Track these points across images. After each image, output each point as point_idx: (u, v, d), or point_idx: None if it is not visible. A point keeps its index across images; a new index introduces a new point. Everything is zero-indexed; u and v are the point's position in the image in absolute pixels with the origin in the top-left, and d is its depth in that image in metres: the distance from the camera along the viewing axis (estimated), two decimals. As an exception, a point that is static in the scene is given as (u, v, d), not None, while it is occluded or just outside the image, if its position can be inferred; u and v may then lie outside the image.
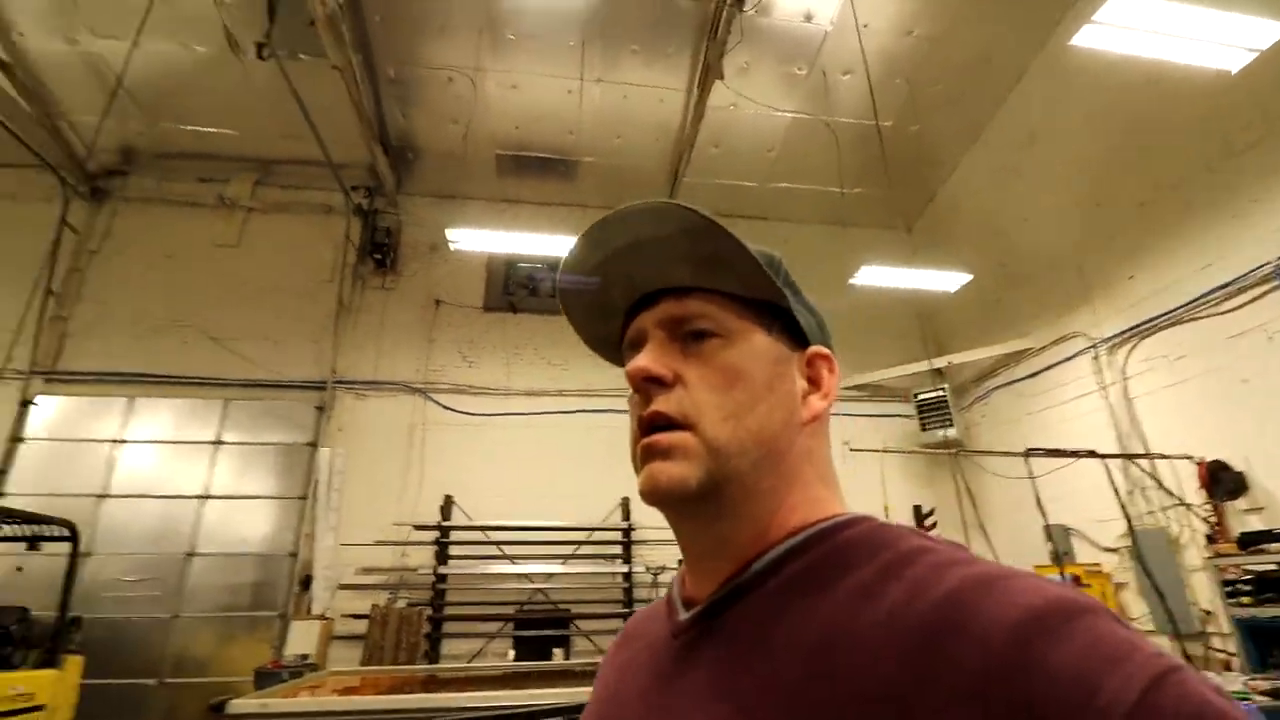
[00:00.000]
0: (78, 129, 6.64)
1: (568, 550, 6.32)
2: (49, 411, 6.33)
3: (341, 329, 6.85)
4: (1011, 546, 6.18)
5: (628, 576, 6.32)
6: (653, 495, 0.52)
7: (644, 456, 0.53)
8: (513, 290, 7.39)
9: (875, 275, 6.42)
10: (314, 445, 6.46)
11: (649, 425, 0.53)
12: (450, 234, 6.16)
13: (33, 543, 5.07)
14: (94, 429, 6.30)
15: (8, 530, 5.00)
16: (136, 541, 5.95)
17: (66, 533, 5.08)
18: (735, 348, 0.55)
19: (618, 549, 6.42)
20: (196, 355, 6.59)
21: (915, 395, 7.18)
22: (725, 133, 7.01)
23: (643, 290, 0.60)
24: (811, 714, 0.40)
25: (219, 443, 6.40)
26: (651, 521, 6.23)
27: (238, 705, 3.51)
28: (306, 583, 5.85)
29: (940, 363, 7.17)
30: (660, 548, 6.25)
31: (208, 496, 6.20)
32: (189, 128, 6.87)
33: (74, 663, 4.69)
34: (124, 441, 6.29)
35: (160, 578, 5.85)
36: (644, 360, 0.55)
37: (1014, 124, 6.42)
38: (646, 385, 0.54)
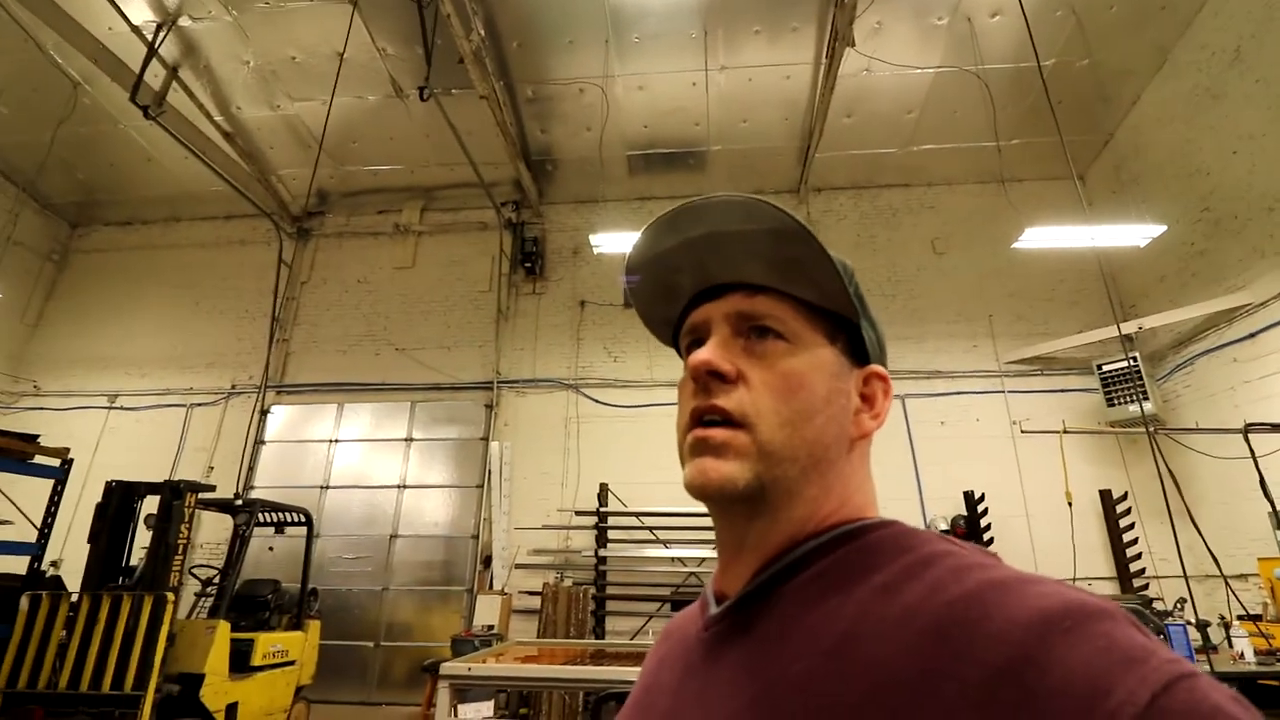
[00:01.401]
0: (284, 181, 7.90)
1: (712, 535, 6.44)
2: (280, 418, 7.63)
3: (502, 334, 7.52)
4: (1227, 536, 5.31)
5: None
6: (700, 490, 0.52)
7: (695, 449, 0.53)
8: (651, 285, 7.63)
9: (1044, 234, 5.79)
10: (485, 440, 7.17)
11: (703, 417, 0.53)
12: (594, 239, 6.51)
13: (279, 527, 6.19)
14: (314, 431, 7.50)
15: (261, 517, 6.14)
16: (352, 525, 7.01)
17: (303, 519, 6.14)
18: (800, 355, 0.55)
19: (769, 534, 6.43)
20: (387, 364, 7.58)
21: (1099, 366, 6.37)
22: (859, 101, 6.68)
23: (715, 280, 0.59)
24: (827, 705, 0.41)
25: (409, 439, 7.33)
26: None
27: (448, 667, 4.06)
28: (487, 562, 6.54)
29: (1130, 328, 6.29)
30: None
31: (404, 486, 7.13)
32: (367, 168, 7.88)
33: (314, 626, 5.68)
34: (337, 441, 7.42)
35: (371, 556, 6.84)
36: (709, 353, 0.54)
37: (1211, 39, 5.46)
38: (708, 378, 0.54)
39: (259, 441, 7.51)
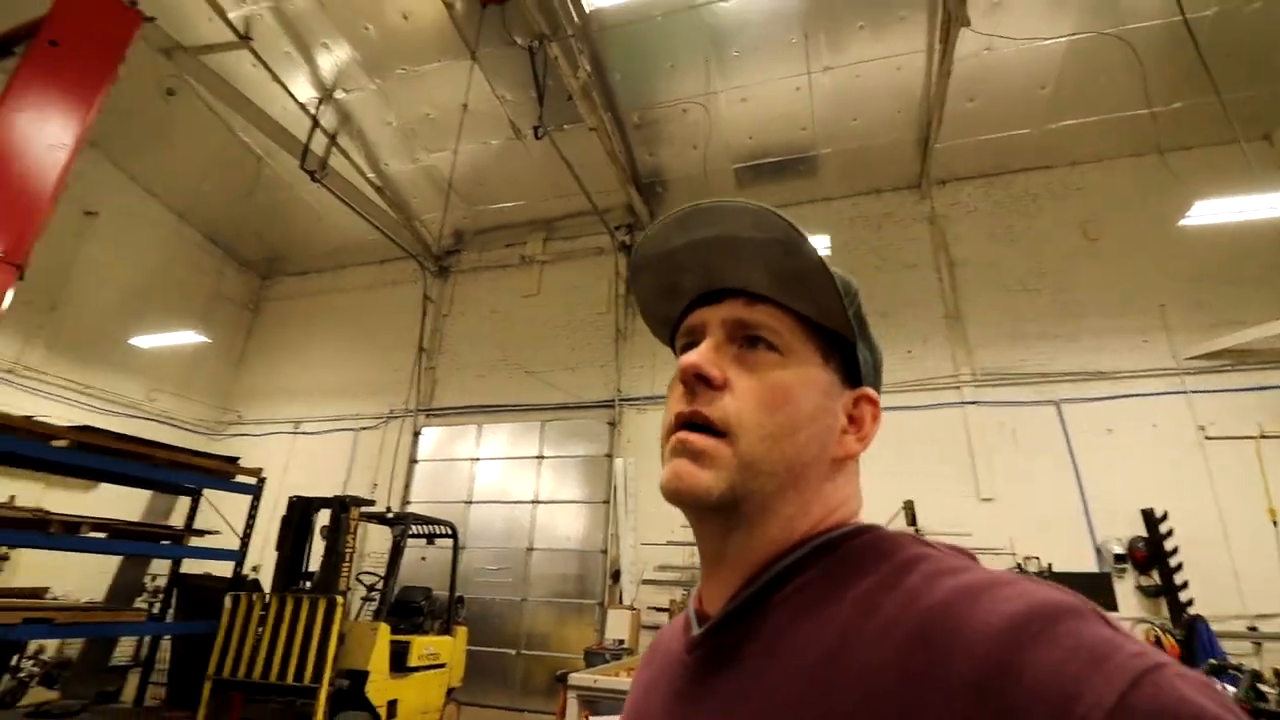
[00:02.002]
0: (426, 225, 8.76)
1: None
2: (430, 439, 8.40)
3: (621, 353, 7.77)
4: None
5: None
6: (673, 495, 0.52)
7: (675, 451, 0.53)
8: (766, 296, 7.51)
9: (1219, 207, 4.99)
10: (610, 456, 7.41)
11: (686, 422, 0.53)
12: None
13: (429, 539, 6.79)
14: (458, 450, 8.17)
15: (415, 530, 6.78)
16: (493, 538, 7.53)
17: (449, 531, 6.69)
18: (790, 369, 0.55)
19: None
20: (520, 387, 8.10)
21: (1312, 356, 5.33)
22: (981, 82, 6.19)
23: (717, 285, 0.59)
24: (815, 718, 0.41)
25: (540, 457, 7.76)
26: (941, 527, 5.74)
27: (576, 678, 4.24)
28: (616, 576, 6.72)
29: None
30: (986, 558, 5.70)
31: (537, 502, 7.55)
32: (495, 206, 8.54)
33: (462, 632, 6.14)
34: (478, 459, 8.02)
35: (510, 567, 7.29)
36: (698, 357, 0.54)
37: None
38: (695, 382, 0.54)
39: (413, 460, 8.32)
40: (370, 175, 8.10)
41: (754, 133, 7.09)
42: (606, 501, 7.19)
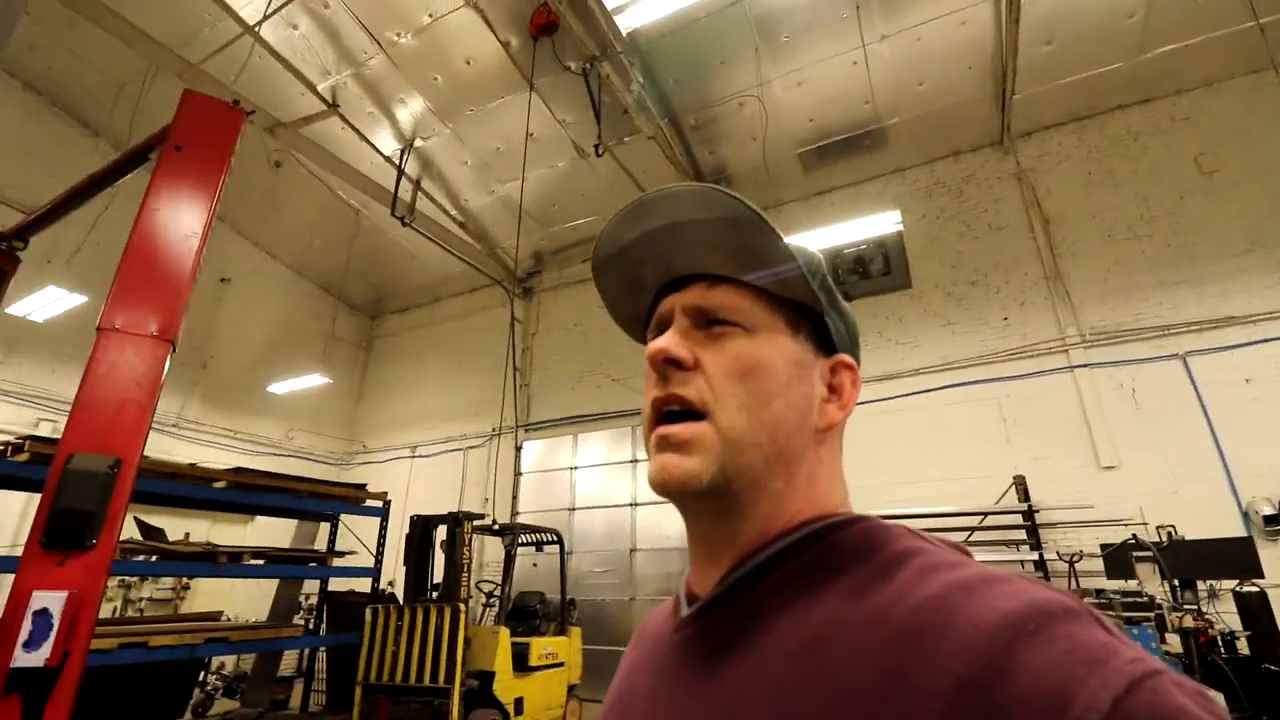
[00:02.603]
0: (507, 251, 9.25)
1: (958, 538, 5.89)
2: (532, 452, 8.85)
3: (702, 352, 7.85)
4: None
5: (1040, 564, 5.53)
6: (663, 488, 0.52)
7: (658, 446, 0.52)
8: (843, 279, 7.34)
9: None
10: (701, 455, 7.50)
11: (664, 410, 0.53)
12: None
13: (538, 546, 7.17)
14: (557, 461, 8.56)
15: (524, 539, 7.18)
16: (597, 541, 7.82)
17: (555, 538, 7.04)
18: (757, 340, 0.54)
19: (1020, 534, 5.69)
20: (608, 395, 8.38)
21: None
22: (1057, 23, 5.76)
23: (677, 272, 0.59)
24: (797, 710, 0.41)
25: (635, 461, 7.97)
26: (1057, 501, 5.38)
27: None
28: (718, 572, 6.79)
29: None
30: (1074, 530, 5.33)
31: (635, 504, 7.76)
32: (568, 225, 8.89)
33: (576, 632, 6.44)
34: (576, 468, 8.36)
35: (616, 569, 7.55)
36: (665, 342, 0.54)
37: None
38: (665, 367, 0.54)
39: (517, 474, 8.80)
40: (453, 212, 8.68)
41: (814, 115, 6.97)
42: (703, 499, 7.29)
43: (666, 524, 7.50)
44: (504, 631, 5.56)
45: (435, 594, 6.01)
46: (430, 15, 6.23)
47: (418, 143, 7.74)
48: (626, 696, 0.59)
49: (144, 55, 6.10)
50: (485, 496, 8.88)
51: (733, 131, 7.22)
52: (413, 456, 9.82)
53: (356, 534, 7.02)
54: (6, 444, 3.93)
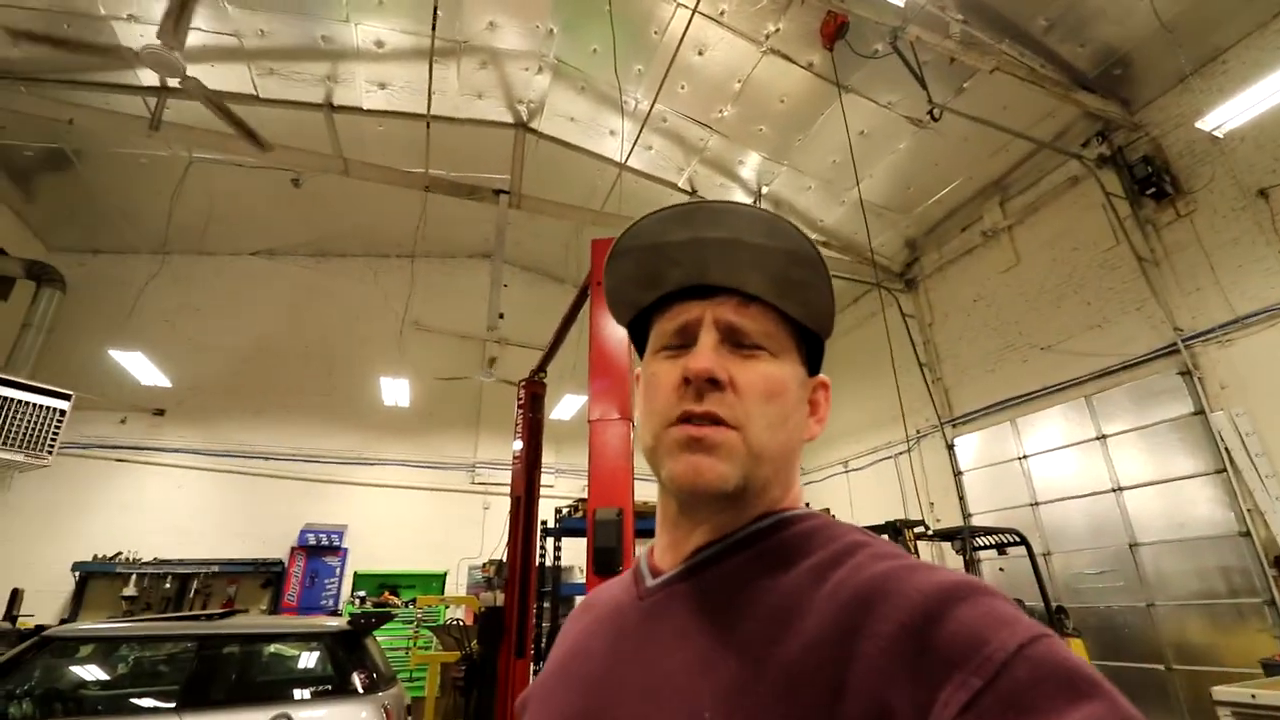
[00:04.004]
0: (878, 251, 9.03)
1: None
2: (967, 448, 8.14)
3: (1159, 283, 6.09)
4: None
5: None
6: (693, 489, 0.55)
7: (686, 445, 0.56)
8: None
9: None
10: (1201, 413, 5.73)
11: (696, 418, 0.57)
12: (1228, 108, 4.83)
13: (999, 549, 6.50)
14: (999, 452, 7.66)
15: (979, 541, 6.62)
16: (1080, 538, 6.61)
17: (1017, 539, 6.29)
18: (782, 365, 0.61)
19: None
20: (1038, 368, 7.20)
21: None
22: None
23: (710, 281, 0.60)
24: (768, 658, 0.47)
25: (1101, 437, 6.56)
26: None
27: (1221, 692, 3.44)
28: (1278, 562, 4.97)
29: None
30: None
31: (1119, 489, 6.34)
32: (931, 201, 8.22)
33: (1076, 645, 5.53)
34: (1025, 457, 7.33)
35: (1116, 569, 6.21)
36: (709, 361, 0.57)
37: None
38: (705, 385, 0.57)
39: (957, 473, 8.19)
40: (813, 236, 9.01)
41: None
42: (1220, 470, 5.50)
43: (1175, 510, 5.88)
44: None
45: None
46: (739, 81, 6.90)
47: (764, 189, 8.42)
48: (578, 658, 0.62)
49: (571, 218, 8.39)
50: (930, 501, 8.50)
51: (1103, 6, 5.70)
52: (846, 471, 10.11)
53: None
54: (570, 506, 5.77)
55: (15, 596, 6.94)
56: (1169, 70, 6.03)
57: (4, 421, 6.59)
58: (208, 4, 5.62)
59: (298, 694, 3.95)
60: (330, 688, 3.99)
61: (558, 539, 5.65)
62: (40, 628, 5.29)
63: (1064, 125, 6.73)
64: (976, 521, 7.68)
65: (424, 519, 9.28)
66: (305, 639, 4.30)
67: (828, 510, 7.17)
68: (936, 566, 0.49)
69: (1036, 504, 7.11)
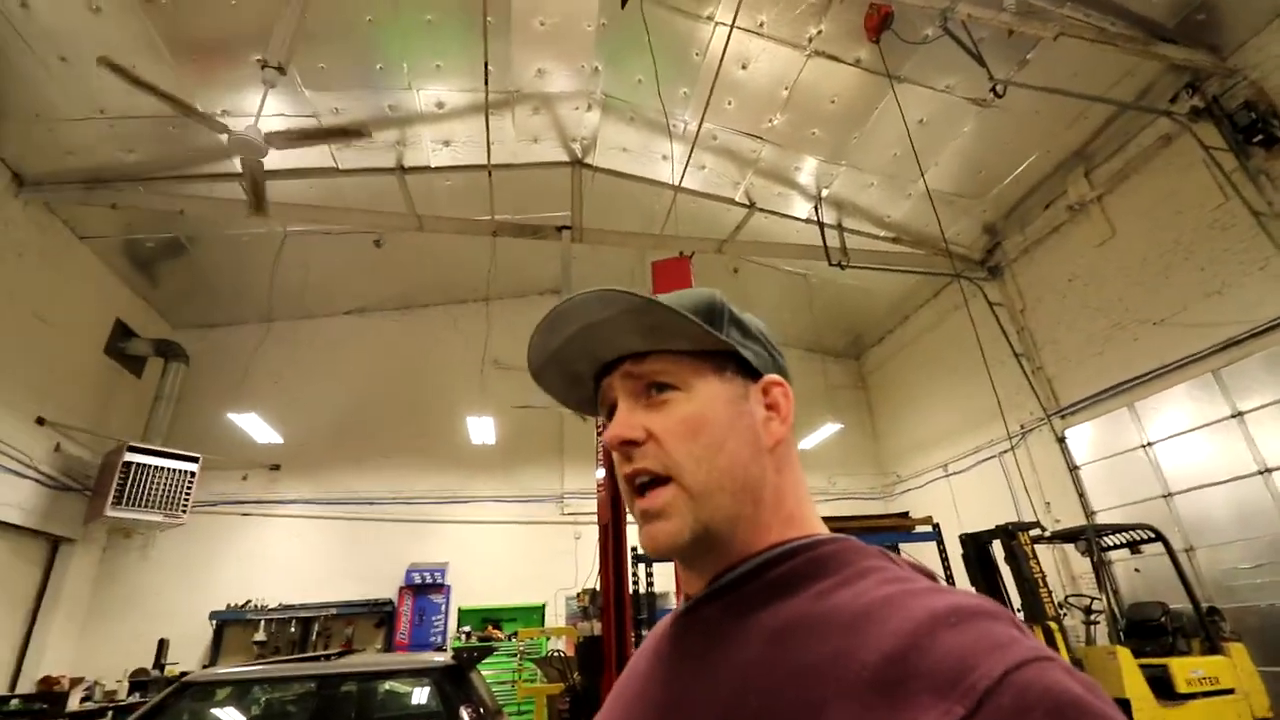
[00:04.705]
0: (954, 240, 8.61)
1: None
2: (1080, 440, 7.51)
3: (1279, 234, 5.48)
4: None
5: None
6: (654, 552, 0.60)
7: (643, 518, 0.60)
8: None
9: None
10: (1358, 376, 5.04)
11: (636, 482, 0.61)
12: None
13: (1132, 548, 5.92)
14: (1119, 441, 7.02)
15: (1106, 540, 6.06)
16: (1227, 530, 5.91)
17: (1151, 534, 5.72)
18: (694, 398, 0.61)
19: None
20: (1154, 344, 6.58)
21: None
22: None
23: (605, 359, 0.66)
24: (762, 683, 0.48)
25: (1238, 414, 5.90)
26: None
27: None
28: None
29: None
30: None
31: (1267, 470, 5.65)
32: (1007, 180, 7.77)
33: (1238, 650, 4.92)
34: (1150, 444, 6.67)
35: (1276, 560, 5.50)
36: (617, 428, 0.62)
37: None
38: (624, 448, 0.61)
39: (1072, 468, 7.56)
40: (881, 234, 8.72)
41: None
42: (1393, 439, 4.80)
43: (1342, 486, 5.17)
44: (1123, 652, 4.76)
45: (1020, 615, 5.60)
46: (786, 88, 6.84)
47: (824, 193, 8.25)
48: (630, 676, 0.66)
49: (632, 245, 8.52)
50: (1045, 500, 7.87)
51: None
52: (947, 475, 9.55)
53: (925, 562, 7.16)
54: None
55: (162, 646, 7.61)
56: (1261, 6, 5.49)
57: (145, 486, 7.33)
58: (286, 91, 6.19)
59: (411, 728, 4.10)
60: (440, 722, 4.11)
61: (649, 565, 5.60)
62: (183, 674, 5.78)
63: (1147, 82, 6.24)
64: (1101, 519, 7.05)
65: (518, 552, 9.50)
66: (414, 674, 4.47)
67: (930, 519, 6.79)
68: (949, 590, 0.47)
69: (1170, 495, 6.44)
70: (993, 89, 5.95)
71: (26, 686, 6.57)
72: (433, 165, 7.75)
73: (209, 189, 7.19)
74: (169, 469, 7.58)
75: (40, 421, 6.86)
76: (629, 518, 5.74)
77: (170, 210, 7.02)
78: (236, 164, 7.03)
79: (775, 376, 0.66)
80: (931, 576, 0.54)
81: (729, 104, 7.04)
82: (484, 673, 5.68)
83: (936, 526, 6.89)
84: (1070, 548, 7.02)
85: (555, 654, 6.94)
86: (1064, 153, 7.31)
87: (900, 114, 6.40)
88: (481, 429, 9.19)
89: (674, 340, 0.63)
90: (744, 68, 6.63)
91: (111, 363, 8.17)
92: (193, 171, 7.07)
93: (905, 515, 7.40)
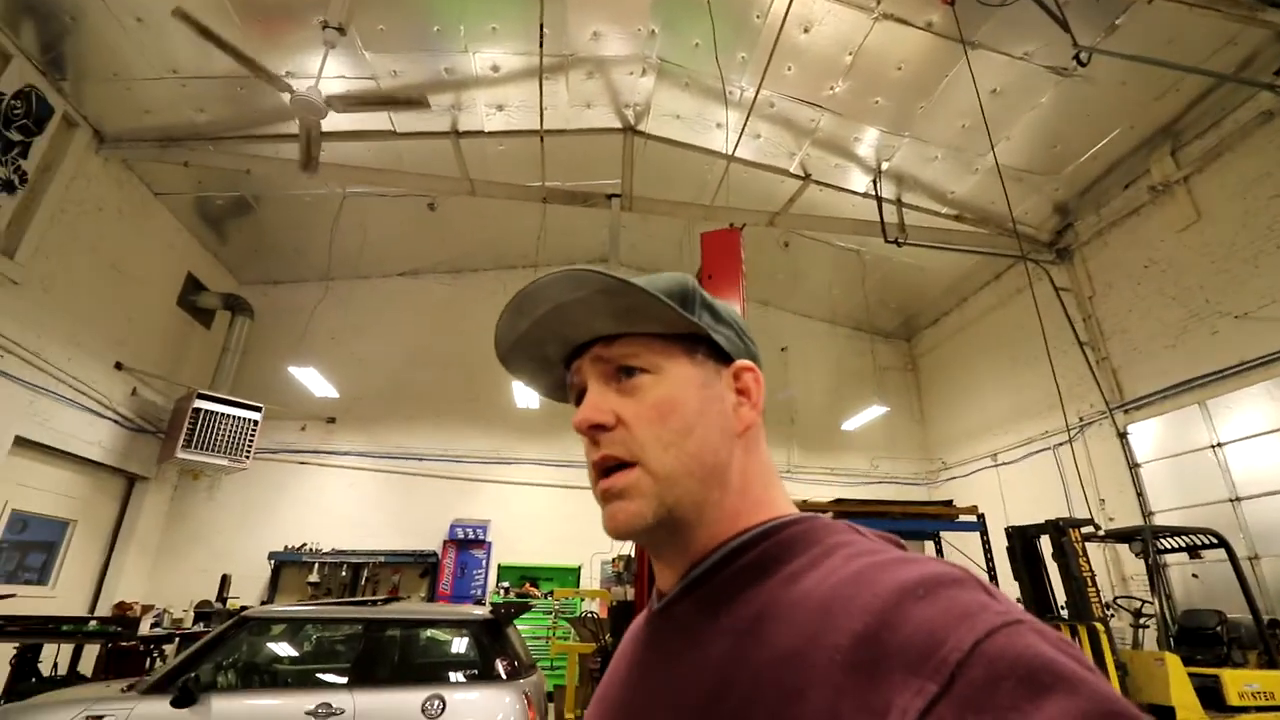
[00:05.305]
0: (1021, 220, 8.18)
1: None
2: (1144, 436, 7.14)
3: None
4: None
5: None
6: (614, 533, 0.58)
7: (604, 498, 0.59)
8: None
9: None
10: None
11: (603, 467, 0.60)
12: None
13: (1191, 552, 5.65)
14: (1186, 440, 6.64)
15: (1164, 543, 5.80)
16: (1300, 540, 5.58)
17: (1214, 540, 5.43)
18: (665, 381, 0.60)
19: None
20: (1231, 340, 6.15)
21: None
22: None
23: (575, 343, 0.65)
24: (736, 676, 0.47)
25: (1324, 418, 5.49)
26: None
27: None
28: None
29: None
30: None
31: (1353, 480, 5.26)
32: (1084, 158, 7.28)
33: (1299, 665, 4.67)
34: (1220, 445, 6.30)
35: (1357, 577, 5.16)
36: (585, 412, 0.60)
37: None
38: (594, 432, 0.60)
39: (1132, 465, 7.21)
40: (943, 211, 8.34)
41: None
42: None
43: None
44: (1172, 659, 4.58)
45: (1064, 612, 5.45)
46: (850, 53, 6.54)
47: (884, 166, 7.92)
48: (608, 682, 0.66)
49: (681, 215, 8.41)
50: (1100, 497, 7.55)
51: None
52: (996, 465, 9.25)
53: (966, 552, 7.04)
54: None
55: (225, 582, 8.17)
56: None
57: (213, 432, 7.79)
58: (346, 53, 6.28)
59: (450, 677, 4.30)
60: (476, 673, 4.30)
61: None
62: (243, 608, 6.19)
63: (1250, 52, 5.69)
64: (1159, 520, 6.73)
65: (558, 514, 9.73)
66: (454, 625, 4.67)
67: (975, 509, 6.61)
68: (915, 557, 0.46)
69: (1237, 499, 6.09)
70: (1076, 56, 5.54)
71: (104, 610, 7.17)
72: (486, 130, 7.77)
73: (274, 149, 7.41)
74: (235, 416, 8.02)
75: (118, 366, 7.34)
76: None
77: (238, 169, 7.28)
78: (298, 125, 7.23)
79: (747, 362, 0.65)
80: (900, 546, 0.53)
81: (788, 70, 6.79)
82: (520, 627, 5.89)
83: (981, 517, 6.71)
84: (1123, 548, 6.75)
85: (589, 615, 7.14)
86: (1150, 128, 6.79)
87: (972, 82, 6.04)
88: (526, 393, 9.36)
89: (646, 323, 0.62)
90: (806, 31, 6.35)
91: (183, 314, 8.63)
92: (258, 132, 7.29)
93: (949, 504, 7.23)
